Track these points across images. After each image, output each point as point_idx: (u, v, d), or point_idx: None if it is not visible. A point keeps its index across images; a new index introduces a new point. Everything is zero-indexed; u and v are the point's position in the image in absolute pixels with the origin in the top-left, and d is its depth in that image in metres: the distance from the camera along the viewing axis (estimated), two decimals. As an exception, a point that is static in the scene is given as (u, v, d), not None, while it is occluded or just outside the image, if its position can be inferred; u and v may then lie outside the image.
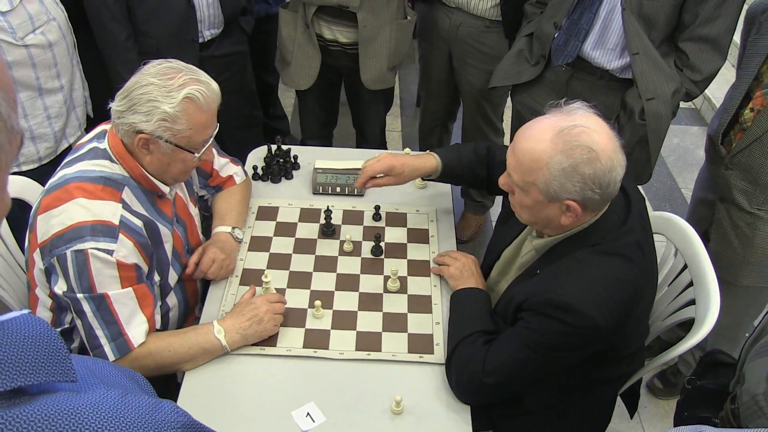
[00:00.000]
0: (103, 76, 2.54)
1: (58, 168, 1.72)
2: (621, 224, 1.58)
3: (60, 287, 1.59)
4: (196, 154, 1.69)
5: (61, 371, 0.68)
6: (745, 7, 2.19)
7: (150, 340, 1.65)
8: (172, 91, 1.59)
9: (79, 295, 1.58)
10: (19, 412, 0.63)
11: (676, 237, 1.95)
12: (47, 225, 1.59)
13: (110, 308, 1.60)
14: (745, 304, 2.36)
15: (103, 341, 1.60)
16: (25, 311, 0.69)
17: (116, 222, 1.60)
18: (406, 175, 2.02)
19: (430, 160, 2.03)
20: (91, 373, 0.79)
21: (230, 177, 2.12)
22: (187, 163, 1.71)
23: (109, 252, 1.57)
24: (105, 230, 1.58)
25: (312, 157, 2.40)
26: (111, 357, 1.61)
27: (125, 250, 1.60)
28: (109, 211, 1.61)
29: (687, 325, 2.35)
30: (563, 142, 1.46)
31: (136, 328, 1.63)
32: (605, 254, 1.54)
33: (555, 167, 1.47)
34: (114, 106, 1.64)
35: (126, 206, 1.65)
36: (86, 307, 1.59)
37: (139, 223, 1.67)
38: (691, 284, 1.86)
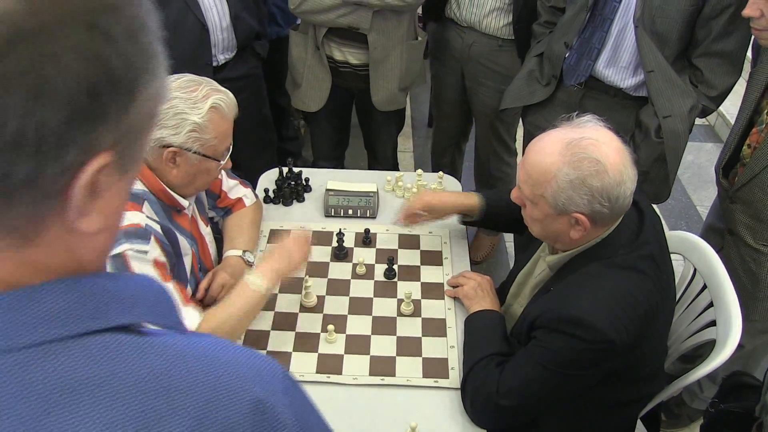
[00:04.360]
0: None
1: None
2: (634, 238, 1.57)
3: None
4: (222, 161, 1.74)
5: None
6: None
7: (202, 325, 1.62)
8: (197, 102, 1.63)
9: None
10: (150, 340, 0.61)
11: (695, 256, 1.91)
12: None
13: None
14: (758, 335, 2.28)
15: None
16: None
17: (144, 226, 1.63)
18: (445, 212, 2.07)
19: (472, 197, 2.05)
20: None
21: (239, 199, 2.11)
22: (211, 172, 1.75)
23: (144, 253, 1.58)
24: (138, 232, 1.59)
25: (324, 179, 2.38)
26: None
27: (156, 252, 1.62)
28: (137, 218, 1.63)
29: (691, 359, 2.30)
30: (571, 155, 1.46)
31: (187, 316, 1.62)
32: (618, 268, 1.53)
33: (562, 179, 1.46)
34: None
35: (148, 217, 1.67)
36: None
37: (162, 233, 1.68)
38: (711, 305, 1.82)
